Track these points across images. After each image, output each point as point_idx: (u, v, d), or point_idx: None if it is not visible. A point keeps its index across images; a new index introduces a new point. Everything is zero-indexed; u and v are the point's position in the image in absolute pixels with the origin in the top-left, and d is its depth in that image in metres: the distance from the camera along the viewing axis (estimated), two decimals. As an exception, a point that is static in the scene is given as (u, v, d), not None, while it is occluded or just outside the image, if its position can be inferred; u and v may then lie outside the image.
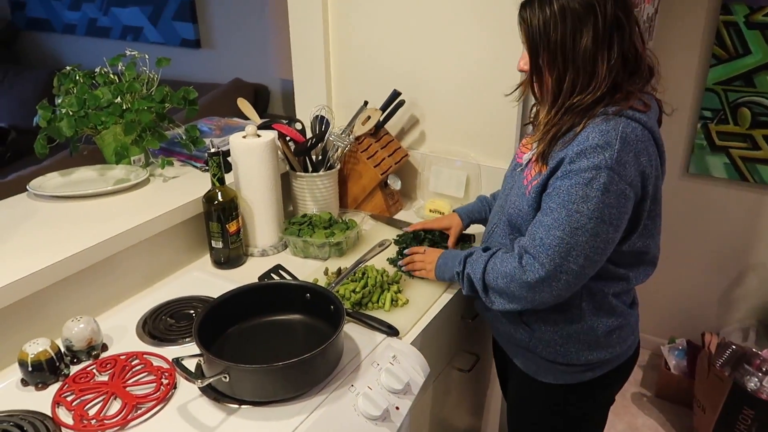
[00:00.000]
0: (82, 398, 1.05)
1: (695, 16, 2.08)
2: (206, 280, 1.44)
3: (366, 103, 1.74)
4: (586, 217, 1.05)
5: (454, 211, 1.54)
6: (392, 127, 1.79)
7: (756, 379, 1.95)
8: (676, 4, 2.08)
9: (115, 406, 1.04)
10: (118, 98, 1.56)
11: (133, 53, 1.64)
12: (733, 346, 2.05)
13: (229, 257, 1.48)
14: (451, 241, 1.50)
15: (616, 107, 1.07)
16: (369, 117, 1.68)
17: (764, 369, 1.96)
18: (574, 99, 1.08)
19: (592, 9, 1.04)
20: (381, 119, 1.71)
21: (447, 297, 1.37)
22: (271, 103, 3.32)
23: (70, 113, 1.52)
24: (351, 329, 1.23)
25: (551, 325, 1.22)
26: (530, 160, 1.20)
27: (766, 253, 2.25)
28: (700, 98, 2.12)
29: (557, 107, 1.11)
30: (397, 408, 1.10)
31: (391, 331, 1.22)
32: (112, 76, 1.62)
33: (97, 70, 1.63)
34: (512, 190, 1.24)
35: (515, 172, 1.27)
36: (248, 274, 1.45)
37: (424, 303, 1.33)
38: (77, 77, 1.59)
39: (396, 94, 1.71)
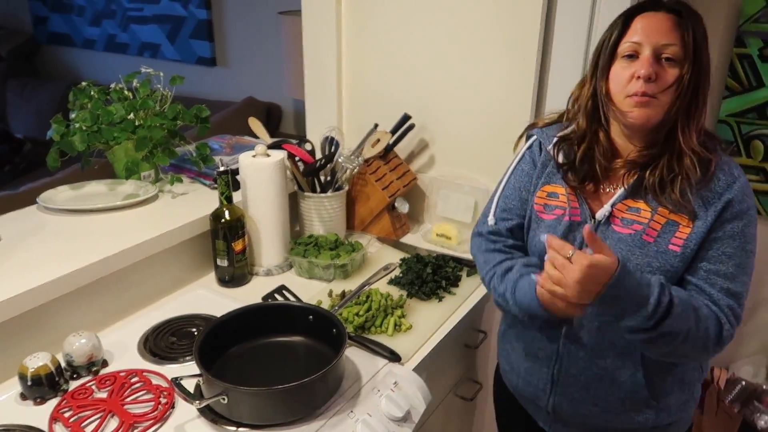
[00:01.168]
0: (79, 415, 1.04)
1: (709, 48, 2.08)
2: (210, 298, 1.43)
3: (376, 125, 1.75)
4: (753, 256, 1.03)
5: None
6: (401, 150, 1.80)
7: (767, 417, 1.90)
8: (689, 35, 2.09)
9: (112, 424, 1.03)
10: (131, 114, 1.57)
11: (148, 70, 1.67)
12: (743, 382, 2.01)
13: (234, 276, 1.48)
14: None
15: (716, 142, 1.05)
16: (378, 140, 1.69)
17: (775, 407, 1.92)
18: (700, 128, 1.02)
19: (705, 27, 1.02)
20: (390, 142, 1.71)
21: (451, 324, 1.35)
22: (283, 122, 3.35)
23: (84, 128, 1.54)
24: (353, 353, 1.22)
25: (679, 384, 1.11)
26: (613, 212, 1.05)
27: (778, 288, 2.22)
28: (714, 130, 2.10)
29: (693, 141, 1.00)
30: (397, 436, 1.08)
31: (393, 357, 1.20)
32: (126, 92, 1.64)
33: (112, 86, 1.65)
34: (618, 252, 1.02)
35: (580, 234, 1.07)
36: (252, 293, 1.45)
37: (427, 329, 1.32)
38: (92, 92, 1.61)
39: (406, 117, 1.71)
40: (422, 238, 1.75)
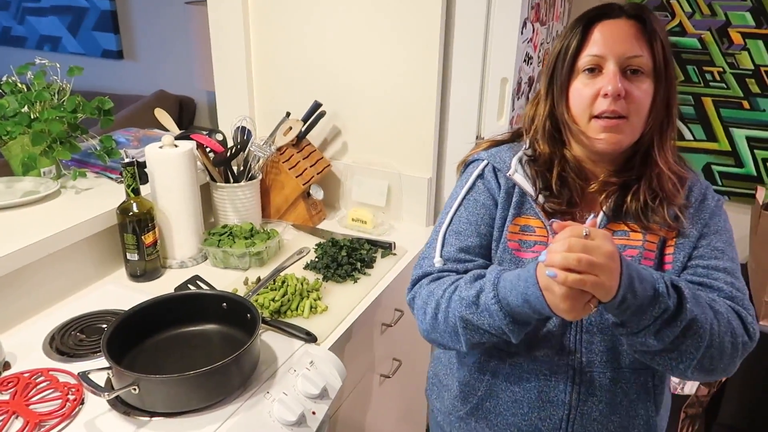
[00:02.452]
0: (-21, 418, 1.00)
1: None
2: (121, 293, 1.40)
3: (288, 114, 1.75)
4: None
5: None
6: (314, 137, 1.81)
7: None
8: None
9: (17, 425, 0.99)
10: (26, 107, 1.50)
11: (43, 61, 1.59)
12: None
13: (146, 270, 1.45)
14: None
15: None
16: (291, 128, 1.70)
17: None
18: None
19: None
20: (303, 130, 1.73)
21: (366, 303, 1.39)
22: (197, 116, 3.27)
23: (-27, 123, 1.46)
24: (270, 337, 1.23)
25: (668, 389, 1.04)
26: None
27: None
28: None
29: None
30: (314, 413, 1.10)
31: (309, 338, 1.23)
32: (20, 85, 1.57)
33: (4, 78, 1.57)
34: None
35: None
36: (165, 286, 1.42)
37: (343, 309, 1.35)
38: (-19, 86, 1.53)
39: (317, 105, 1.73)
40: (338, 224, 1.77)
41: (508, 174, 0.98)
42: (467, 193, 1.01)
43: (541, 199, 0.96)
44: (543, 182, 0.96)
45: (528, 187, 0.97)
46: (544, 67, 0.98)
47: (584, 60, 0.89)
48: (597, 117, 0.88)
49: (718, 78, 2.05)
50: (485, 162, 1.02)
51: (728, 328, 0.85)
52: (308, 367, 1.15)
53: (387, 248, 1.59)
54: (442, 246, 0.99)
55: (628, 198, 0.93)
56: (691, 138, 2.15)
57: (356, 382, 1.44)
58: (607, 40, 0.88)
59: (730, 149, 2.10)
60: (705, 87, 2.08)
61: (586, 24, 0.91)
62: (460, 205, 1.01)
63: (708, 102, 2.09)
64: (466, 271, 0.96)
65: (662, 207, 0.92)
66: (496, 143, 1.06)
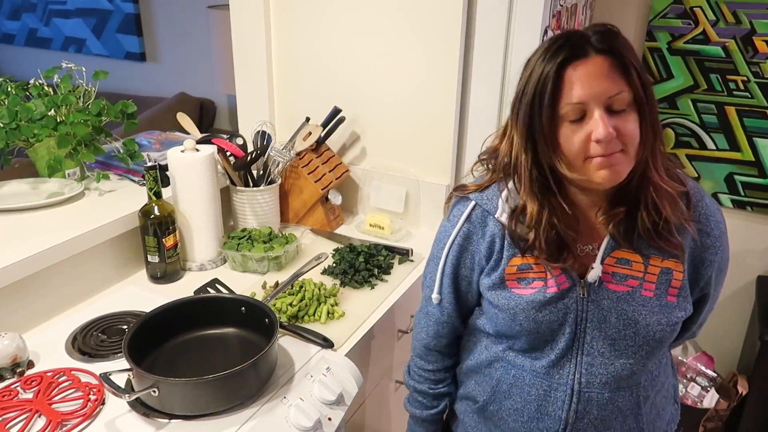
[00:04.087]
0: (3, 416, 1.02)
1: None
2: (142, 295, 1.42)
3: (308, 119, 1.76)
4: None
5: None
6: (333, 143, 1.82)
7: (681, 386, 2.04)
8: (605, 30, 2.20)
9: (39, 423, 1.01)
10: (52, 111, 1.53)
11: (69, 65, 1.62)
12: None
13: (166, 272, 1.47)
14: None
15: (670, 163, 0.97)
16: (310, 133, 1.71)
17: (689, 376, 2.06)
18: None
19: None
20: (322, 135, 1.74)
21: (383, 309, 1.39)
22: (217, 118, 3.30)
23: (1, 125, 1.49)
24: (287, 342, 1.24)
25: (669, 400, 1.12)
26: (603, 267, 0.94)
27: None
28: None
29: (660, 171, 0.91)
30: (330, 419, 1.11)
31: (326, 344, 1.23)
32: (46, 88, 1.60)
33: (31, 81, 1.60)
34: (621, 315, 0.94)
35: (572, 301, 0.95)
36: (185, 288, 1.44)
37: (360, 315, 1.36)
38: (9, 89, 1.56)
39: (336, 110, 1.74)
40: (356, 229, 1.78)
41: (495, 216, 0.99)
42: (455, 237, 1.03)
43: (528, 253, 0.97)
44: (523, 235, 0.96)
45: (522, 242, 0.97)
46: (513, 108, 0.92)
47: (566, 109, 0.85)
48: (591, 157, 0.87)
49: (742, 87, 2.03)
50: (473, 203, 1.01)
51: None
52: (325, 373, 1.16)
53: (404, 255, 1.59)
54: (440, 283, 1.06)
55: (638, 222, 0.92)
56: (714, 147, 2.12)
57: (372, 388, 1.44)
58: (584, 86, 0.84)
59: (753, 159, 2.08)
60: (728, 96, 2.06)
61: (556, 71, 0.85)
62: (450, 248, 1.03)
63: (731, 111, 2.07)
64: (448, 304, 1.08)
65: (669, 225, 0.92)
66: (481, 186, 1.02)
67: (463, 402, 1.15)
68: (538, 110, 0.87)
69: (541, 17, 1.51)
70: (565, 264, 0.94)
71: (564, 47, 0.85)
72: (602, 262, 0.94)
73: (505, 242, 0.98)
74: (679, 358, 2.12)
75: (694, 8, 2.02)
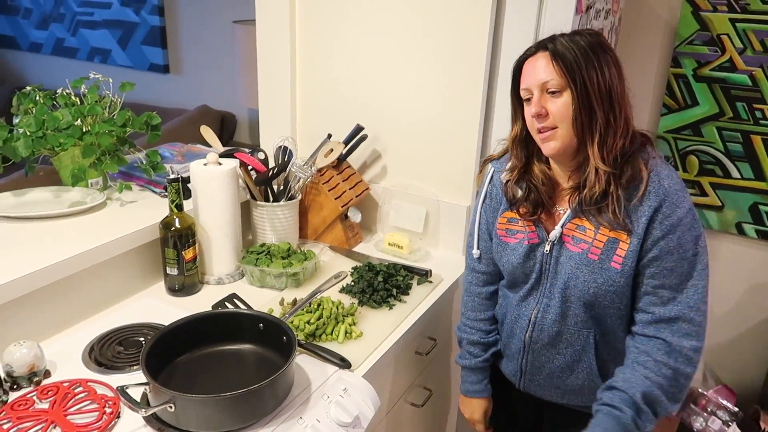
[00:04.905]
0: (19, 426, 1.02)
1: (648, 68, 2.19)
2: (159, 307, 1.41)
3: (329, 135, 1.77)
4: (703, 250, 1.10)
5: (467, 396, 1.39)
6: (354, 160, 1.82)
7: (702, 419, 1.99)
8: (629, 56, 2.19)
9: (54, 435, 1.01)
10: (78, 120, 1.54)
11: (96, 76, 1.64)
12: (681, 386, 2.10)
13: (184, 285, 1.47)
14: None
15: (650, 150, 1.11)
16: (332, 150, 1.71)
17: (709, 409, 2.01)
18: (618, 144, 1.07)
19: (605, 47, 1.08)
20: (343, 152, 1.74)
21: (401, 331, 1.37)
22: (237, 131, 3.32)
23: (28, 133, 1.50)
24: (303, 361, 1.22)
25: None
26: (564, 231, 1.15)
27: (712, 296, 2.32)
28: (652, 143, 2.21)
29: (608, 155, 1.07)
30: (346, 442, 1.09)
31: (344, 364, 1.22)
32: (73, 98, 1.61)
33: (59, 91, 1.62)
34: (569, 269, 1.14)
35: (539, 253, 1.18)
36: (203, 302, 1.43)
37: (378, 336, 1.34)
38: (37, 97, 1.58)
39: (359, 128, 1.74)
40: (374, 248, 1.77)
41: (500, 178, 1.25)
42: (483, 200, 1.31)
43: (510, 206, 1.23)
44: (513, 192, 1.21)
45: (511, 195, 1.23)
46: None
47: (522, 93, 1.13)
48: (537, 133, 1.12)
49: (768, 116, 2.00)
50: (492, 170, 1.30)
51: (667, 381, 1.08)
52: (342, 394, 1.14)
53: (423, 275, 1.57)
54: (478, 240, 1.33)
55: (583, 195, 1.11)
56: (739, 176, 2.09)
57: (387, 409, 1.42)
58: (529, 74, 1.11)
59: (778, 189, 2.04)
60: (755, 125, 2.03)
61: (517, 65, 1.15)
62: (479, 210, 1.32)
63: (757, 140, 2.04)
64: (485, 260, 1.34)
65: (608, 200, 1.08)
66: (503, 153, 1.29)
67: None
68: (512, 93, 1.17)
69: (569, 41, 1.50)
70: (538, 218, 1.18)
71: (526, 51, 1.14)
72: (563, 225, 1.16)
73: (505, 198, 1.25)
74: (699, 390, 2.07)
75: (721, 35, 2.00)
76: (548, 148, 1.11)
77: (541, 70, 1.08)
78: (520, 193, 1.20)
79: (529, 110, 1.11)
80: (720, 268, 2.28)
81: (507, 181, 1.22)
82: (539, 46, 1.11)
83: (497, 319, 1.36)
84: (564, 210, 1.17)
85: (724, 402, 2.03)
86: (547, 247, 1.17)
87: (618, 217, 1.08)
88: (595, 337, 1.18)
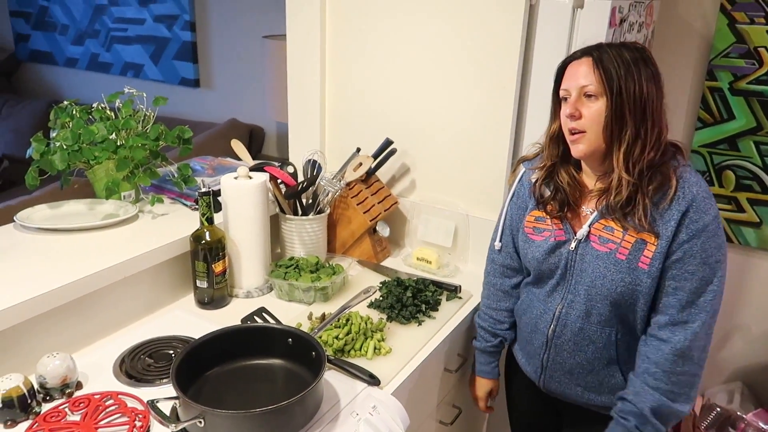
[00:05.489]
0: (51, 438, 1.02)
1: (682, 82, 2.15)
2: (189, 320, 1.42)
3: (358, 149, 1.76)
4: (723, 258, 1.14)
5: (476, 375, 1.48)
6: (383, 174, 1.81)
7: (740, 444, 1.92)
8: (664, 69, 2.16)
9: (85, 447, 1.01)
10: (113, 134, 1.57)
11: (131, 91, 1.67)
12: (718, 409, 2.03)
13: (214, 298, 1.47)
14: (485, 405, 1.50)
15: (681, 158, 1.16)
16: (360, 163, 1.71)
17: (749, 433, 1.94)
18: (647, 157, 1.11)
19: (648, 62, 1.13)
20: (372, 166, 1.73)
21: (431, 347, 1.36)
22: (266, 145, 3.35)
23: (64, 147, 1.53)
24: (332, 376, 1.21)
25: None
26: (591, 231, 1.19)
27: (751, 315, 2.26)
28: (683, 150, 2.16)
29: (634, 165, 1.11)
30: (375, 461, 1.07)
31: (373, 380, 1.20)
32: (108, 112, 1.64)
33: (94, 105, 1.65)
34: (596, 268, 1.18)
35: (565, 250, 1.22)
36: (232, 315, 1.44)
37: (407, 352, 1.32)
38: (74, 112, 1.61)
39: (388, 142, 1.73)
40: (403, 262, 1.76)
41: (530, 179, 1.30)
42: (511, 198, 1.37)
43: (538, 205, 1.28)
44: (545, 191, 1.26)
45: (539, 195, 1.28)
46: None
47: (561, 93, 1.18)
48: (569, 134, 1.17)
49: (808, 130, 1.94)
50: (523, 170, 1.35)
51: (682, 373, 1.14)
52: (371, 412, 1.13)
53: (453, 291, 1.55)
54: (501, 233, 1.40)
55: (611, 197, 1.15)
56: (777, 192, 2.03)
57: (416, 428, 1.39)
58: (570, 76, 1.16)
59: (820, 206, 1.97)
60: (794, 139, 1.97)
61: (562, 66, 1.20)
62: (507, 207, 1.38)
63: (796, 155, 1.98)
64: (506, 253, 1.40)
65: (635, 205, 1.12)
66: (536, 154, 1.34)
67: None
68: (553, 92, 1.22)
69: (602, 55, 1.48)
70: (564, 216, 1.23)
71: (569, 56, 1.19)
72: (590, 225, 1.19)
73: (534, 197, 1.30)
74: (738, 413, 2.00)
75: (759, 48, 1.96)
76: (576, 149, 1.17)
77: (582, 74, 1.13)
78: (547, 192, 1.26)
79: (564, 110, 1.17)
80: (758, 287, 2.21)
81: (535, 181, 1.28)
82: (585, 52, 1.16)
83: (511, 313, 1.41)
84: (591, 210, 1.22)
85: (764, 426, 1.95)
86: (573, 245, 1.21)
87: (644, 223, 1.12)
88: (617, 336, 1.22)
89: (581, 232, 1.20)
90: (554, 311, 1.26)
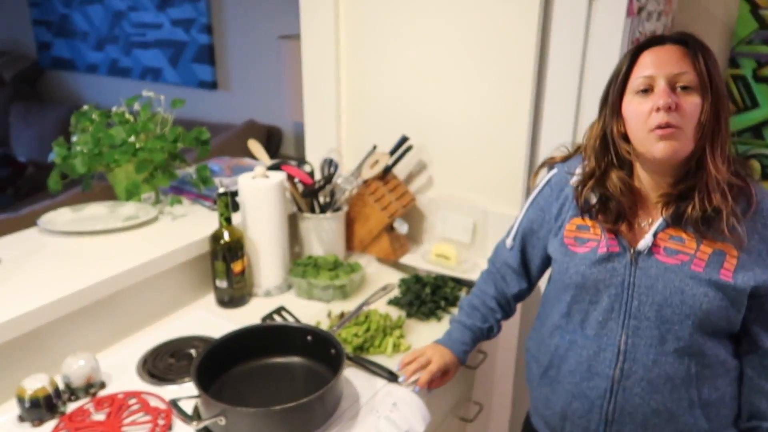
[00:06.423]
0: (76, 437, 1.04)
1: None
2: (209, 319, 1.43)
3: (375, 147, 1.76)
4: None
5: (439, 342, 1.26)
6: (400, 171, 1.81)
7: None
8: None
9: (110, 446, 1.03)
10: (132, 137, 1.59)
11: (149, 94, 1.69)
12: None
13: (233, 297, 1.48)
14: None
15: (747, 168, 1.05)
16: (377, 161, 1.70)
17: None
18: (729, 158, 1.01)
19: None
20: (389, 163, 1.73)
21: (450, 344, 1.35)
22: (283, 145, 3.37)
23: (85, 151, 1.56)
24: (351, 374, 1.21)
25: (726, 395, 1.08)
26: (655, 241, 1.03)
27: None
28: (741, 157, 2.12)
29: (726, 169, 0.99)
30: (396, 458, 1.07)
31: (392, 377, 1.20)
32: (127, 115, 1.66)
33: (114, 109, 1.67)
34: (668, 283, 1.01)
35: (620, 265, 1.04)
36: (251, 314, 1.45)
37: (426, 349, 1.31)
38: (93, 116, 1.63)
39: (404, 139, 1.73)
40: (421, 259, 1.75)
41: (570, 182, 1.13)
42: (536, 196, 1.21)
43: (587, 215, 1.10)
44: (595, 198, 1.08)
45: (587, 201, 1.10)
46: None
47: (637, 82, 0.99)
48: (653, 130, 0.97)
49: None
50: (555, 170, 1.19)
51: None
52: (391, 409, 1.12)
53: (471, 287, 1.54)
54: (516, 231, 1.25)
55: (689, 207, 1.00)
56: (805, 181, 1.98)
57: (437, 425, 1.39)
58: (656, 62, 0.98)
59: None
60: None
61: (635, 52, 1.02)
62: (530, 205, 1.22)
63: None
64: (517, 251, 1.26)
65: (722, 216, 0.98)
66: (567, 157, 1.20)
67: (530, 366, 1.23)
68: (613, 85, 1.04)
69: (620, 45, 1.46)
70: (618, 228, 1.05)
71: (646, 40, 1.02)
72: (654, 235, 1.03)
73: (573, 204, 1.12)
74: None
75: (783, 42, 1.91)
76: (663, 147, 0.97)
77: (675, 61, 0.97)
78: (594, 199, 1.08)
79: (645, 102, 0.98)
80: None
81: (579, 187, 1.11)
82: (667, 39, 1.00)
83: (499, 298, 1.28)
84: (648, 222, 1.06)
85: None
86: (631, 258, 1.03)
87: (737, 232, 0.98)
88: (697, 369, 1.03)
89: (644, 243, 1.03)
90: (617, 344, 1.04)
